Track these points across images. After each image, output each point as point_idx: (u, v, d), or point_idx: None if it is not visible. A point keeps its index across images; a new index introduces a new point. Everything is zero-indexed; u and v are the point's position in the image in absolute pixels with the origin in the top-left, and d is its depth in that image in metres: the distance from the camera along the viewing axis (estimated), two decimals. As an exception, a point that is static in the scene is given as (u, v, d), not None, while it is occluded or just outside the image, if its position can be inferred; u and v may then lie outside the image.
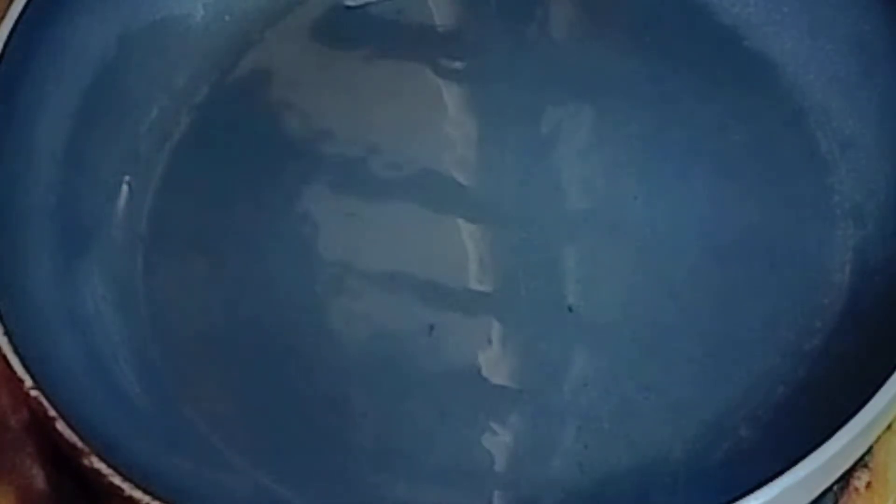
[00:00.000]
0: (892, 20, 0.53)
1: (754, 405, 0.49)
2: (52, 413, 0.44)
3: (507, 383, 0.50)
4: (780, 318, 0.50)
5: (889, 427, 0.48)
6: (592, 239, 0.53)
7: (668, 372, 0.49)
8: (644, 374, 0.49)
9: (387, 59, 0.57)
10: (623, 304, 0.51)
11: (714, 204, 0.53)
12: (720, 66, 0.56)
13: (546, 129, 0.55)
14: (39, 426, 0.47)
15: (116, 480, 0.43)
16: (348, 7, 0.58)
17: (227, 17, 0.58)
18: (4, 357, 0.45)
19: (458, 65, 0.57)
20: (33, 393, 0.44)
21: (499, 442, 0.49)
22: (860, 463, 0.48)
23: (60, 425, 0.44)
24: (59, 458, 0.48)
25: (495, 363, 0.50)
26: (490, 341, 0.51)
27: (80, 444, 0.44)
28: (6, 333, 0.45)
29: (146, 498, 0.43)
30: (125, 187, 0.54)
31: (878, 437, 0.47)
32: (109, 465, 0.43)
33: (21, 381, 0.45)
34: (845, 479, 0.48)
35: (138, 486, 0.43)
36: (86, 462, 0.43)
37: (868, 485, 0.48)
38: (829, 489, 0.47)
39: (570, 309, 0.51)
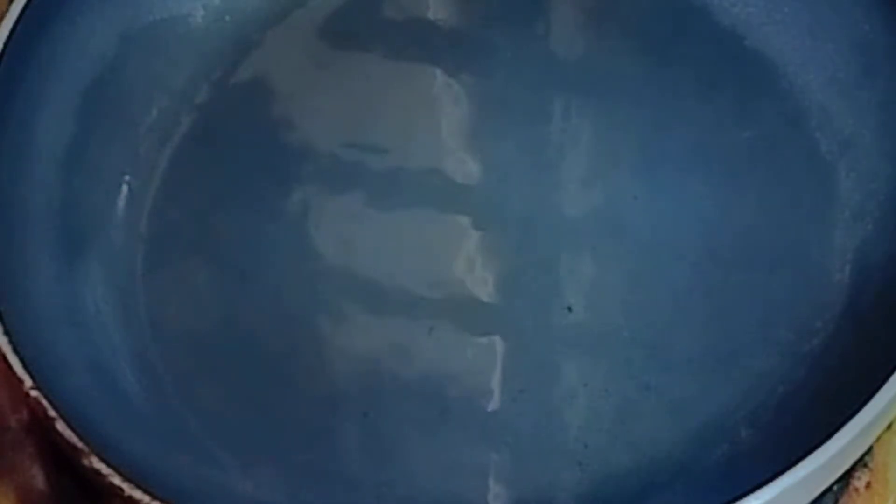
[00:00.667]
0: (892, 20, 0.53)
1: (754, 405, 0.49)
2: (52, 413, 0.44)
3: (507, 383, 0.50)
4: (780, 318, 0.50)
5: (889, 427, 0.48)
6: (592, 239, 0.53)
7: (668, 372, 0.49)
8: (644, 374, 0.49)
9: (387, 59, 0.57)
10: (623, 305, 0.51)
11: (714, 204, 0.53)
12: (720, 66, 0.56)
13: (546, 129, 0.55)
14: (39, 426, 0.47)
15: (116, 480, 0.43)
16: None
17: (227, 18, 0.58)
18: (4, 357, 0.45)
19: (458, 65, 0.57)
20: (33, 393, 0.44)
21: (499, 442, 0.49)
22: (860, 463, 0.48)
23: (60, 425, 0.44)
24: (59, 458, 0.48)
25: (495, 363, 0.50)
26: (489, 341, 0.51)
27: (80, 444, 0.44)
28: (6, 333, 0.45)
29: (146, 498, 0.43)
30: (125, 187, 0.54)
31: (878, 437, 0.47)
32: (109, 465, 0.43)
33: (21, 381, 0.45)
34: (845, 479, 0.48)
35: (138, 486, 0.43)
36: (86, 462, 0.43)
37: (868, 485, 0.48)
38: (829, 489, 0.47)
39: (569, 309, 0.51)
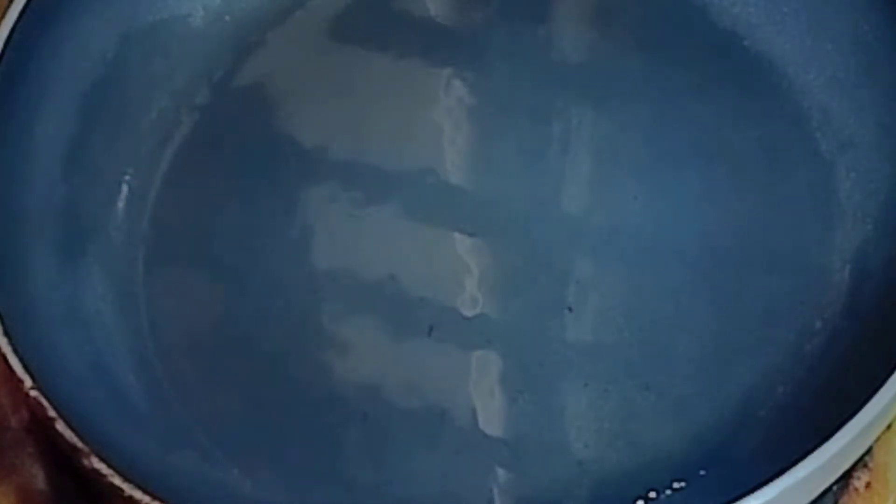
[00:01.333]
0: (892, 20, 0.53)
1: (754, 405, 0.49)
2: (52, 413, 0.44)
3: (507, 383, 0.50)
4: (780, 318, 0.50)
5: (889, 427, 0.48)
6: (592, 239, 0.53)
7: (668, 372, 0.49)
8: (644, 374, 0.49)
9: (388, 60, 0.57)
10: (623, 305, 0.51)
11: (714, 204, 0.53)
12: (720, 66, 0.56)
13: (546, 129, 0.55)
14: (39, 426, 0.47)
15: (116, 480, 0.43)
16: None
17: (227, 18, 0.58)
18: (4, 357, 0.45)
19: (458, 66, 0.57)
20: (33, 393, 0.44)
21: (499, 441, 0.49)
22: (860, 463, 0.48)
23: (60, 425, 0.44)
24: (59, 458, 0.48)
25: (495, 363, 0.50)
26: (489, 341, 0.51)
27: (80, 444, 0.44)
28: (6, 333, 0.45)
29: (146, 498, 0.43)
30: (125, 187, 0.54)
31: (878, 437, 0.47)
32: (109, 465, 0.43)
33: (21, 381, 0.45)
34: (845, 479, 0.48)
35: (138, 486, 0.43)
36: (86, 462, 0.43)
37: (868, 485, 0.48)
38: (829, 489, 0.47)
39: (569, 309, 0.51)
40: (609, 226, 0.53)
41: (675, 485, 0.47)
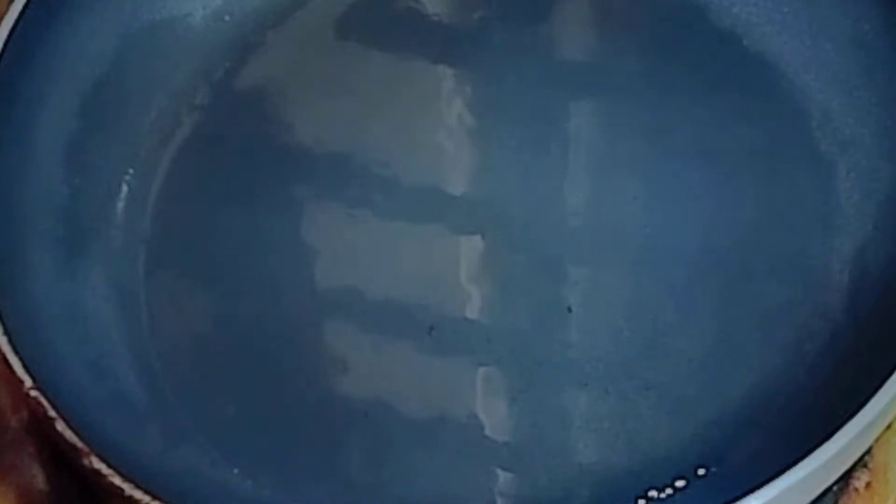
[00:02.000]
0: (892, 20, 0.53)
1: (754, 405, 0.49)
2: (52, 413, 0.44)
3: (507, 383, 0.50)
4: (780, 318, 0.50)
5: (889, 427, 0.48)
6: (592, 239, 0.53)
7: (668, 372, 0.49)
8: (644, 374, 0.49)
9: (388, 59, 0.57)
10: (623, 304, 0.51)
11: (714, 204, 0.53)
12: (720, 66, 0.56)
13: (546, 129, 0.55)
14: (39, 426, 0.47)
15: (116, 480, 0.43)
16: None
17: (227, 18, 0.58)
18: (4, 357, 0.45)
19: (459, 66, 0.57)
20: (33, 393, 0.44)
21: (499, 441, 0.49)
22: (860, 463, 0.48)
23: (60, 425, 0.44)
24: (59, 458, 0.48)
25: (495, 363, 0.50)
26: (489, 341, 0.51)
27: (80, 444, 0.44)
28: (6, 333, 0.45)
29: (146, 498, 0.43)
30: (125, 187, 0.54)
31: (878, 437, 0.47)
32: (109, 465, 0.43)
33: (21, 381, 0.45)
34: (845, 479, 0.48)
35: (138, 486, 0.43)
36: (86, 462, 0.43)
37: (868, 485, 0.48)
38: (829, 489, 0.47)
39: (569, 309, 0.51)
40: (609, 226, 0.53)
41: (675, 485, 0.47)
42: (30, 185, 0.51)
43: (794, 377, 0.49)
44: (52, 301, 0.50)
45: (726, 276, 0.51)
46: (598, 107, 0.56)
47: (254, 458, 0.49)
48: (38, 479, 0.49)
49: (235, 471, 0.48)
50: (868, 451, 0.48)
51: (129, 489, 0.43)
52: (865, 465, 0.48)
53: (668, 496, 0.47)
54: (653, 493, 0.47)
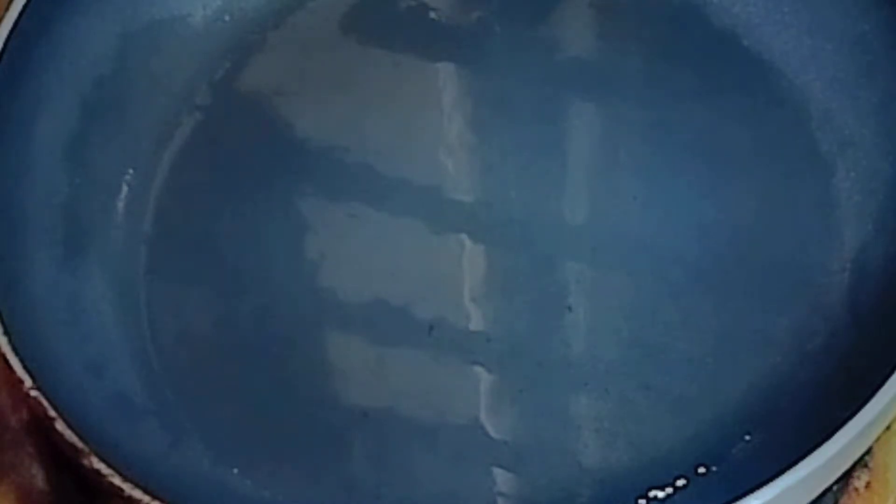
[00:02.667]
0: (892, 20, 0.53)
1: (754, 405, 0.49)
2: (52, 413, 0.44)
3: (507, 383, 0.50)
4: (781, 318, 0.50)
5: (889, 427, 0.48)
6: (592, 238, 0.53)
7: (668, 372, 0.49)
8: (644, 374, 0.49)
9: (388, 60, 0.57)
10: (623, 304, 0.51)
11: (714, 204, 0.53)
12: (720, 66, 0.56)
13: (545, 129, 0.55)
14: (39, 426, 0.47)
15: (116, 480, 0.43)
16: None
17: (227, 18, 0.58)
18: (4, 357, 0.45)
19: (459, 66, 0.57)
20: (33, 393, 0.44)
21: (499, 442, 0.49)
22: (860, 463, 0.48)
23: (60, 425, 0.44)
24: (59, 458, 0.48)
25: (495, 363, 0.50)
26: (489, 341, 0.51)
27: (80, 444, 0.44)
28: (6, 333, 0.45)
29: (146, 498, 0.43)
30: (125, 187, 0.54)
31: (878, 437, 0.47)
32: (109, 465, 0.43)
33: (21, 381, 0.45)
34: (845, 479, 0.48)
35: (138, 486, 0.43)
36: (86, 462, 0.43)
37: (868, 485, 0.48)
38: (829, 489, 0.47)
39: (569, 309, 0.51)
40: (609, 225, 0.53)
41: (676, 484, 0.47)
42: (30, 185, 0.51)
43: (794, 377, 0.49)
44: (52, 301, 0.50)
45: (726, 276, 0.51)
46: (598, 106, 0.56)
47: (254, 458, 0.49)
48: (38, 479, 0.49)
49: (235, 471, 0.48)
50: (868, 451, 0.48)
51: (129, 489, 0.43)
52: (865, 465, 0.48)
53: (669, 495, 0.47)
54: (653, 493, 0.47)
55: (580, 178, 0.54)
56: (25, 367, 0.45)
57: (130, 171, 0.54)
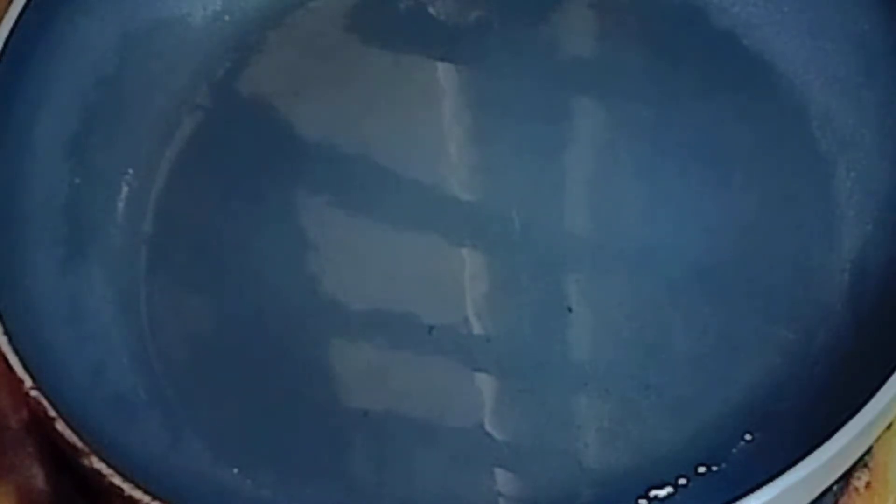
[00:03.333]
0: (892, 20, 0.53)
1: (754, 405, 0.49)
2: (52, 413, 0.44)
3: (507, 384, 0.50)
4: (781, 318, 0.50)
5: (889, 427, 0.48)
6: (592, 238, 0.53)
7: (668, 372, 0.49)
8: (644, 374, 0.49)
9: (388, 60, 0.57)
10: (623, 304, 0.51)
11: (714, 204, 0.53)
12: (720, 66, 0.56)
13: (545, 128, 0.55)
14: (39, 426, 0.47)
15: (116, 480, 0.43)
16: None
17: (226, 18, 0.58)
18: (4, 357, 0.45)
19: (459, 66, 0.57)
20: (33, 393, 0.44)
21: (499, 441, 0.49)
22: (860, 463, 0.48)
23: (60, 425, 0.44)
24: (59, 458, 0.48)
25: (495, 364, 0.50)
26: (489, 341, 0.51)
27: (80, 444, 0.44)
28: (6, 333, 0.45)
29: (146, 498, 0.43)
30: (126, 187, 0.54)
31: (878, 437, 0.47)
32: (109, 465, 0.43)
33: (21, 381, 0.45)
34: (845, 479, 0.48)
35: (138, 486, 0.43)
36: (86, 462, 0.43)
37: (868, 485, 0.48)
38: (829, 489, 0.47)
39: (569, 309, 0.51)
40: (609, 225, 0.53)
41: (676, 484, 0.47)
42: (30, 185, 0.51)
43: (794, 377, 0.49)
44: (52, 301, 0.50)
45: (726, 276, 0.51)
46: (598, 106, 0.56)
47: (254, 458, 0.49)
48: (38, 479, 0.49)
49: (235, 471, 0.49)
50: (868, 451, 0.48)
51: (129, 489, 0.43)
52: (865, 465, 0.48)
53: (669, 495, 0.47)
54: (653, 493, 0.47)
55: (580, 178, 0.54)
56: (25, 367, 0.45)
57: (130, 171, 0.54)
